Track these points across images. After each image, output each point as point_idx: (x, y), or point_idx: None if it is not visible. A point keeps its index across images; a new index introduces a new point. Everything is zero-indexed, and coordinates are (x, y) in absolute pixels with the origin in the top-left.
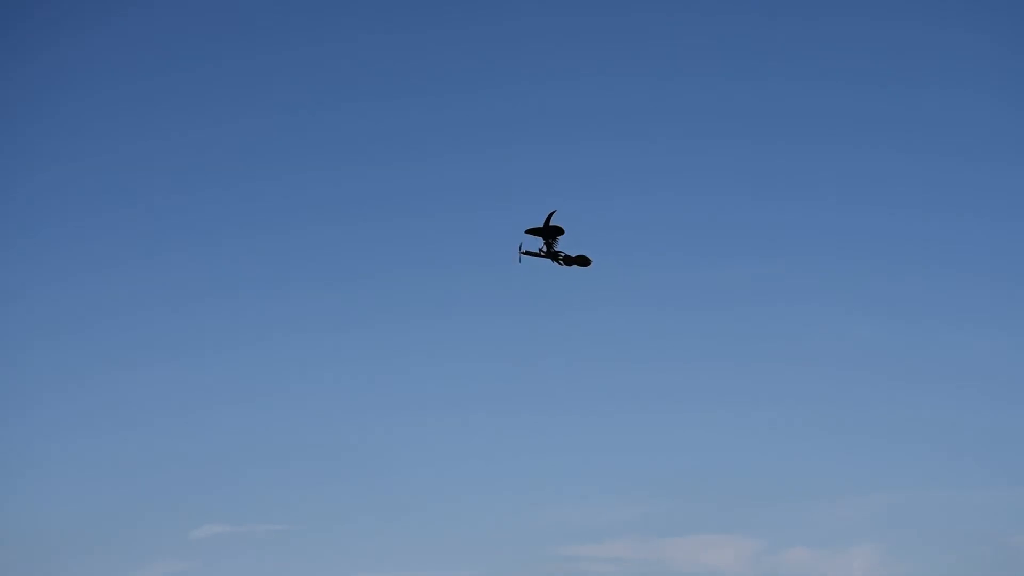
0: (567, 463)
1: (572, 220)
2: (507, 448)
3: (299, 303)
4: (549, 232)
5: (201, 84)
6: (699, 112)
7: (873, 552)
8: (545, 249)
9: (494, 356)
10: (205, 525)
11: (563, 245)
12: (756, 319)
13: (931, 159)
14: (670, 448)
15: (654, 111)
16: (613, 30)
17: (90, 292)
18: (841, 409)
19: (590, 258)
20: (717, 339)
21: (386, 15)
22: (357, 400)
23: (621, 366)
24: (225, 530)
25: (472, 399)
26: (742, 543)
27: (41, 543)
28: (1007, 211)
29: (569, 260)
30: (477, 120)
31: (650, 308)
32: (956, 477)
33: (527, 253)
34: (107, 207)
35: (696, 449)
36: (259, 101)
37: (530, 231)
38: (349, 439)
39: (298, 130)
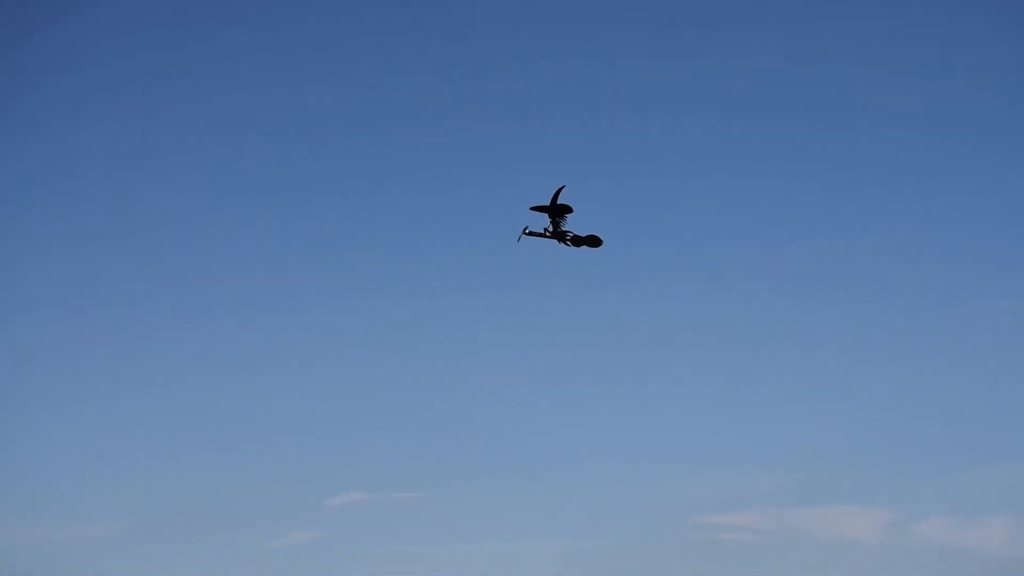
0: (706, 434)
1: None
2: (647, 419)
3: (438, 276)
4: (556, 211)
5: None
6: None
7: (1012, 522)
8: (551, 229)
9: (631, 331)
10: (341, 493)
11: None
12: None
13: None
14: (805, 419)
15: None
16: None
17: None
18: (974, 379)
19: (601, 238)
20: (844, 320)
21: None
22: (494, 370)
23: (759, 343)
24: (361, 498)
25: (610, 371)
26: (877, 513)
27: (180, 510)
28: None
29: (578, 240)
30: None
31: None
32: None
33: (530, 234)
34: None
35: (830, 420)
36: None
37: (536, 208)
38: (486, 408)
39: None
